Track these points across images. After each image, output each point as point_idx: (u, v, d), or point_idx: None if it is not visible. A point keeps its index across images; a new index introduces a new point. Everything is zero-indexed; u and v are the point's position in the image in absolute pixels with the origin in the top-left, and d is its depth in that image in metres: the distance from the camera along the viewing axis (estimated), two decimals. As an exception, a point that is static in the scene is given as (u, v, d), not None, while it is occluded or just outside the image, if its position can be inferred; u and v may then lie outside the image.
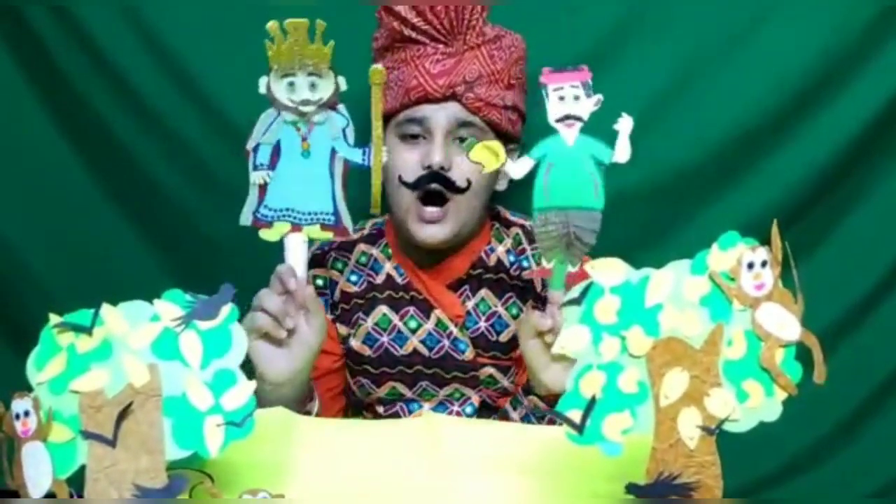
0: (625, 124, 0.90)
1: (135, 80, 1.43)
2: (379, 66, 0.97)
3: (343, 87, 0.96)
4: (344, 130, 0.98)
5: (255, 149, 0.98)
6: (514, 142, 1.20)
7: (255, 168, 0.98)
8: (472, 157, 0.97)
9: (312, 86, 0.96)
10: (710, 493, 0.77)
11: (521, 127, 1.21)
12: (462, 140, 1.13)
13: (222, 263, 1.43)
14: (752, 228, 0.79)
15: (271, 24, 0.92)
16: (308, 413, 1.08)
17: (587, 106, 0.91)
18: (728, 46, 1.40)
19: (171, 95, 1.44)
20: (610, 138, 0.92)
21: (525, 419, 1.12)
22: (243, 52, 1.40)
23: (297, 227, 1.00)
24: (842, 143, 1.41)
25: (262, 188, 0.98)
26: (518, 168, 0.94)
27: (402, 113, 1.15)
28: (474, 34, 1.14)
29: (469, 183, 1.14)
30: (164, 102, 1.44)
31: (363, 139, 1.00)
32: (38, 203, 1.49)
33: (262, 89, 0.96)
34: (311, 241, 1.01)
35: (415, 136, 1.15)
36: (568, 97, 0.91)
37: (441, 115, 1.14)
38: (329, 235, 1.00)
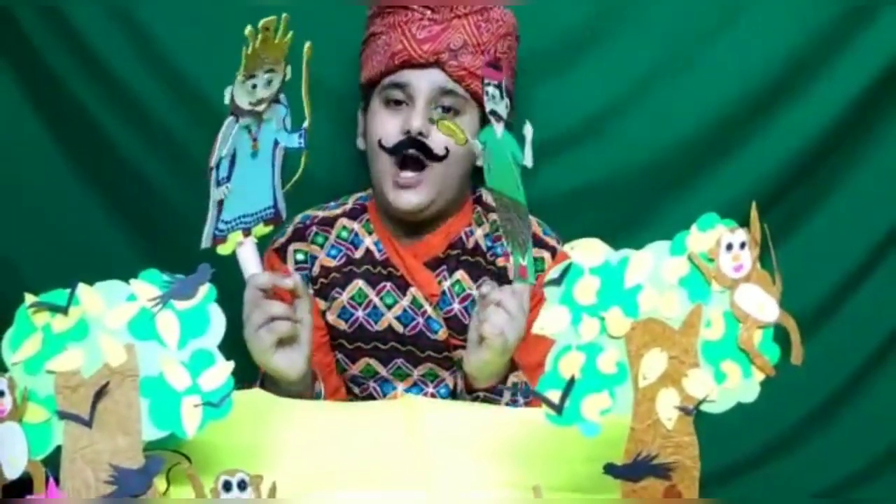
0: (528, 132, 0.91)
1: (115, 66, 1.42)
2: (310, 44, 0.97)
3: (288, 76, 0.96)
4: (284, 119, 0.99)
5: (218, 164, 0.96)
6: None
7: (219, 183, 0.96)
8: (440, 128, 1.01)
9: (269, 82, 0.95)
10: (687, 474, 0.77)
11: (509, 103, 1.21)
12: (446, 109, 1.16)
13: (199, 245, 1.42)
14: (731, 211, 0.79)
15: (248, 30, 0.90)
16: (319, 393, 1.10)
17: (502, 106, 0.95)
18: (709, 33, 1.41)
19: (148, 80, 1.43)
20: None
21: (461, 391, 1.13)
22: (225, 39, 1.40)
23: (247, 232, 1.00)
24: (820, 128, 1.42)
25: (220, 204, 0.97)
26: (476, 147, 0.98)
27: (386, 77, 1.16)
28: (462, 3, 1.15)
29: (447, 151, 1.15)
30: (144, 88, 1.43)
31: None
32: (12, 187, 1.48)
33: (227, 100, 0.94)
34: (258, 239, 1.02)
35: (398, 103, 1.16)
36: (496, 95, 0.95)
37: (424, 82, 1.15)
38: (269, 229, 1.02)
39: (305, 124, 1.00)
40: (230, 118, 0.95)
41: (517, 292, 1.00)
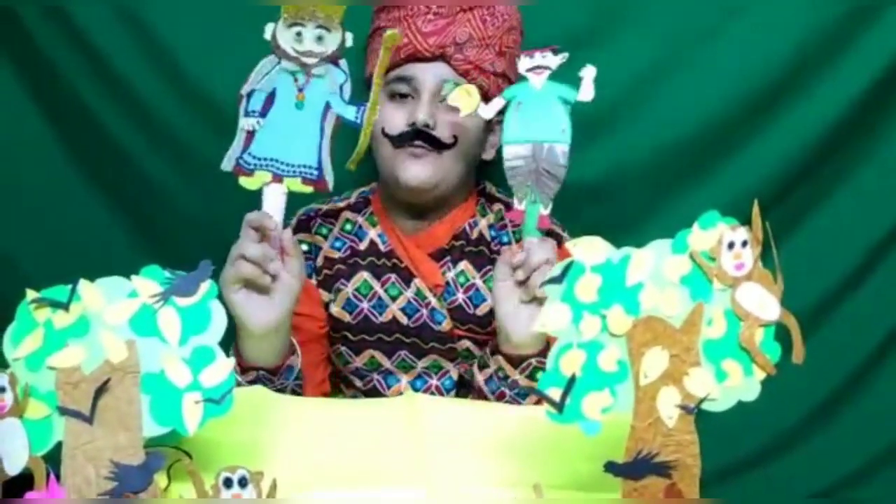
0: (588, 72, 0.99)
1: (115, 62, 1.42)
2: (395, 32, 0.99)
3: (349, 43, 0.97)
4: (342, 86, 0.98)
5: (249, 95, 0.97)
6: (502, 113, 1.21)
7: (247, 114, 0.97)
8: (451, 100, 1.03)
9: (319, 38, 0.96)
10: (688, 472, 0.77)
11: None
12: None
13: (200, 241, 1.42)
14: (733, 209, 0.79)
15: None
16: (291, 367, 1.08)
17: (554, 59, 0.99)
18: (710, 30, 1.41)
19: (153, 79, 1.43)
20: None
21: (489, 381, 1.11)
22: (226, 36, 1.41)
23: (277, 178, 0.99)
24: (823, 126, 1.42)
25: (250, 135, 0.98)
26: (489, 108, 1.03)
27: (392, 71, 1.16)
28: (467, 2, 1.14)
29: (455, 139, 1.15)
30: (146, 86, 1.43)
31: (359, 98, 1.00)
32: (14, 185, 1.48)
33: (267, 35, 0.96)
34: (290, 194, 1.00)
35: (403, 96, 1.16)
36: (537, 56, 1.00)
37: (429, 75, 1.14)
38: (309, 189, 1.00)
39: (368, 103, 0.99)
40: (271, 56, 0.96)
41: (546, 244, 1.01)
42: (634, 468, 0.77)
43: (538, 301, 0.99)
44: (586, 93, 0.99)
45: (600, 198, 1.42)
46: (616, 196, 1.43)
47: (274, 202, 0.99)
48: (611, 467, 0.76)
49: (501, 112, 1.11)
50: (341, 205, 1.27)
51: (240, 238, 0.99)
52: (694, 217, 0.78)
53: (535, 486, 0.82)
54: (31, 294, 0.79)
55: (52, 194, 1.49)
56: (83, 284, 0.79)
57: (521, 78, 1.01)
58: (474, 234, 1.24)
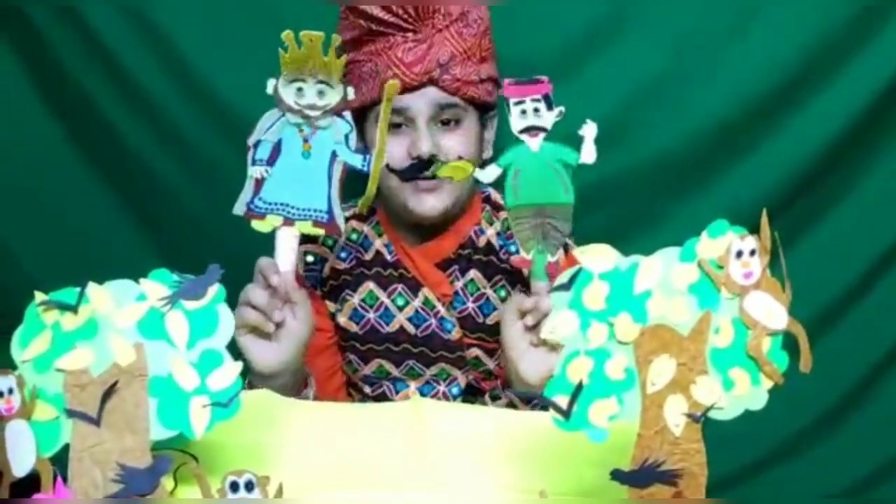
0: (589, 130, 0.95)
1: (127, 63, 1.43)
2: (394, 82, 1.00)
3: (351, 97, 0.99)
4: (347, 136, 1.00)
5: (256, 144, 1.00)
6: (492, 108, 1.21)
7: (254, 163, 1.00)
8: (441, 174, 1.04)
9: (320, 93, 0.98)
10: (694, 481, 0.77)
11: (498, 91, 1.19)
12: (445, 122, 1.14)
13: (209, 245, 1.43)
14: (741, 217, 0.79)
15: (287, 34, 0.95)
16: (305, 399, 1.09)
17: (549, 118, 0.96)
18: (717, 36, 1.41)
19: (161, 78, 1.44)
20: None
21: None
22: (237, 39, 1.41)
23: (289, 222, 1.01)
24: (830, 134, 1.42)
25: (259, 182, 1.00)
26: (486, 174, 0.99)
27: (380, 103, 1.14)
28: (441, 16, 1.13)
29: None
30: (154, 85, 1.44)
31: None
32: (23, 184, 1.48)
33: (270, 90, 0.98)
34: (301, 237, 1.02)
35: (397, 125, 1.14)
36: (529, 110, 0.96)
37: (421, 103, 1.13)
38: (320, 232, 1.02)
39: (374, 151, 1.01)
40: (274, 109, 0.99)
41: (541, 292, 1.01)
42: (640, 476, 0.76)
43: (549, 345, 0.99)
44: (588, 154, 0.95)
45: (605, 203, 1.42)
46: (620, 202, 1.43)
47: (286, 245, 1.01)
48: (617, 475, 0.76)
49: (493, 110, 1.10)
50: (347, 214, 1.26)
51: (252, 283, 1.01)
52: (699, 223, 0.78)
53: (541, 492, 0.82)
54: (39, 296, 0.79)
55: (58, 193, 1.49)
56: (92, 287, 0.79)
57: (517, 140, 0.98)
58: (481, 243, 1.24)
